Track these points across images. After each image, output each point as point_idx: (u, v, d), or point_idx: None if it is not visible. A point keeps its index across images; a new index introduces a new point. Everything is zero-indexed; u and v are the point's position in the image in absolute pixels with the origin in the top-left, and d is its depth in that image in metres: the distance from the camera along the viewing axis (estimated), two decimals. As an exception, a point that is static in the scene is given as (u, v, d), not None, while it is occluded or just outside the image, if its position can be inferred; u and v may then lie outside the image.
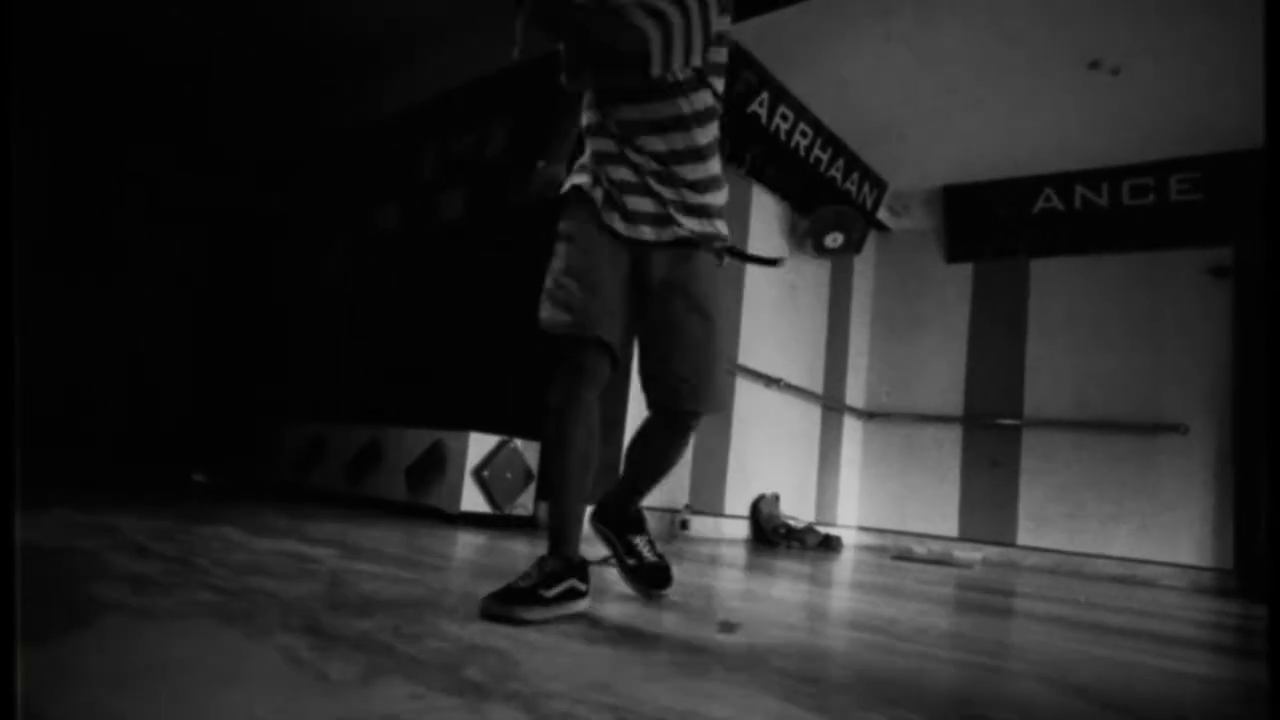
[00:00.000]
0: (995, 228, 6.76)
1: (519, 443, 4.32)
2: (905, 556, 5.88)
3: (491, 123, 5.33)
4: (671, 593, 2.17)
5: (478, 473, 4.14)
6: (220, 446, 6.37)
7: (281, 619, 1.34)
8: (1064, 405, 6.25)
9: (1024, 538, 6.27)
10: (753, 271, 5.86)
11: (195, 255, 7.06)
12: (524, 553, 3.16)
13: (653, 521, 4.86)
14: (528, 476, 4.39)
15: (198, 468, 5.75)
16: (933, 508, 6.74)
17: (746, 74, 5.24)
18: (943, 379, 6.89)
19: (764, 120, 5.54)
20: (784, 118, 5.67)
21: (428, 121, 5.84)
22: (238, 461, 6.03)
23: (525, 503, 4.39)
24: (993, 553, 6.33)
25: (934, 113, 5.80)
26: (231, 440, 6.34)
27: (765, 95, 5.44)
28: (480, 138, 5.38)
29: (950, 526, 6.62)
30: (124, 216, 6.61)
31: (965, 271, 6.96)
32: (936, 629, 2.25)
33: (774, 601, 2.59)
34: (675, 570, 2.27)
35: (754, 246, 5.90)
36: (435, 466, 4.25)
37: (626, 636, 1.58)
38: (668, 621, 1.83)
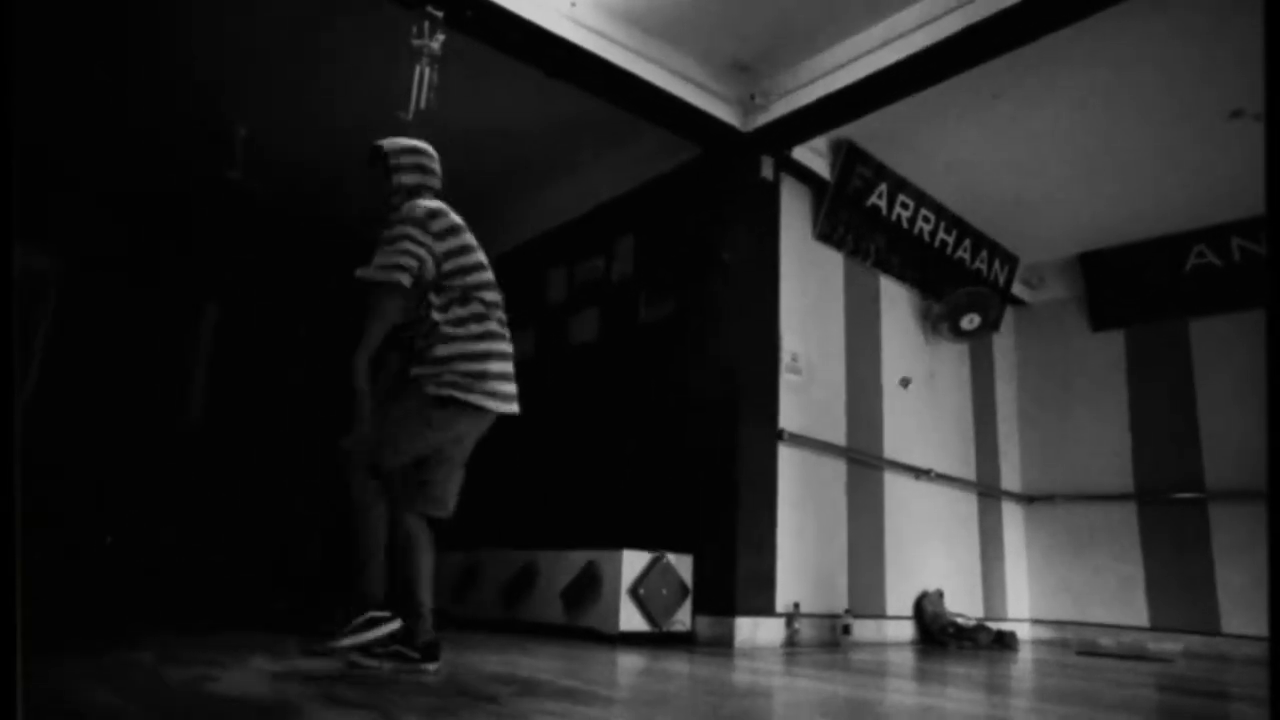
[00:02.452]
0: (1143, 291, 6.40)
1: (671, 557, 4.29)
2: (1091, 651, 5.41)
3: (616, 245, 5.53)
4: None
5: (634, 591, 4.12)
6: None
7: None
8: (1253, 474, 5.70)
9: (1229, 624, 5.66)
10: (888, 363, 5.74)
11: (327, 391, 7.52)
12: (686, 673, 3.08)
13: (812, 628, 4.68)
14: (683, 591, 4.32)
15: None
16: (1115, 595, 6.20)
17: (861, 169, 5.28)
18: (1106, 454, 6.45)
19: (884, 211, 5.53)
20: (904, 206, 5.64)
21: (555, 249, 6.10)
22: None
23: (683, 618, 4.31)
24: (1194, 643, 5.72)
25: (1061, 181, 5.65)
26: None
27: (883, 187, 5.44)
28: (607, 260, 5.58)
29: (1139, 615, 6.06)
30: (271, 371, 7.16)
31: (1116, 339, 6.59)
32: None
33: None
34: (840, 685, 2.15)
35: (887, 337, 5.80)
36: (591, 587, 4.26)
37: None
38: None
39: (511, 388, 2.73)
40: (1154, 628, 5.96)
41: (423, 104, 3.82)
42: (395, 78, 3.87)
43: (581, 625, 4.28)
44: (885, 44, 4.17)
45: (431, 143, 3.12)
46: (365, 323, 2.56)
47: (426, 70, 3.88)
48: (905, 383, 5.70)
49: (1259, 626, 5.53)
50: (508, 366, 2.73)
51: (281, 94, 5.21)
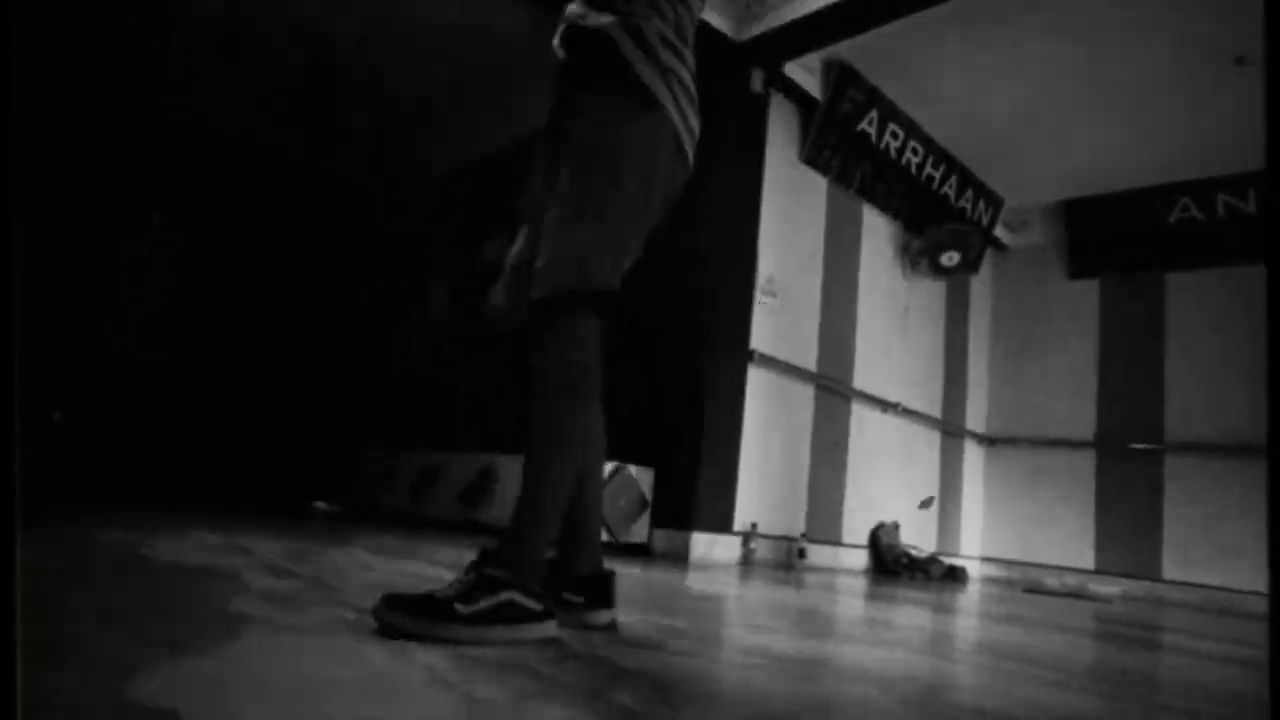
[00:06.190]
0: (1123, 241, 6.37)
1: (633, 469, 4.28)
2: (1037, 589, 5.53)
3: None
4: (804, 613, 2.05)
5: (591, 499, 4.10)
6: (336, 474, 6.57)
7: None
8: (1211, 428, 5.78)
9: (1169, 571, 5.81)
10: (865, 293, 5.69)
11: (300, 294, 7.40)
12: (640, 576, 3.09)
13: (768, 549, 4.72)
14: (642, 503, 4.33)
15: (318, 495, 5.94)
16: (1065, 538, 6.33)
17: (853, 92, 5.13)
18: (1071, 402, 6.50)
19: (873, 139, 5.40)
20: (894, 135, 5.51)
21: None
22: (353, 489, 6.20)
23: (640, 530, 4.32)
24: (1134, 587, 5.88)
25: (1054, 124, 5.55)
26: (346, 468, 6.53)
27: (874, 113, 5.31)
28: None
29: (1085, 559, 6.20)
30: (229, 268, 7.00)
31: (1090, 288, 6.59)
32: (1078, 660, 2.06)
33: (914, 629, 2.43)
34: (791, 596, 2.15)
35: (865, 267, 5.73)
36: (549, 493, 4.24)
37: (771, 659, 1.48)
38: (816, 644, 1.72)
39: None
40: (1098, 570, 6.10)
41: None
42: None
43: (538, 531, 4.27)
44: (890, -44, 4.01)
45: (410, 37, 2.94)
46: None
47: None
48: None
49: (1194, 574, 5.69)
50: None
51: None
